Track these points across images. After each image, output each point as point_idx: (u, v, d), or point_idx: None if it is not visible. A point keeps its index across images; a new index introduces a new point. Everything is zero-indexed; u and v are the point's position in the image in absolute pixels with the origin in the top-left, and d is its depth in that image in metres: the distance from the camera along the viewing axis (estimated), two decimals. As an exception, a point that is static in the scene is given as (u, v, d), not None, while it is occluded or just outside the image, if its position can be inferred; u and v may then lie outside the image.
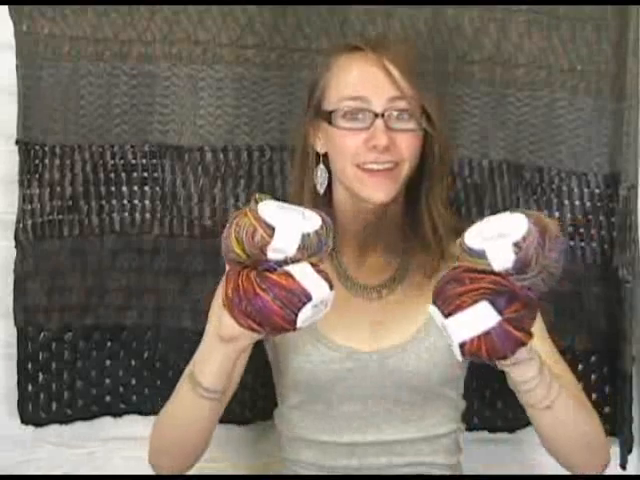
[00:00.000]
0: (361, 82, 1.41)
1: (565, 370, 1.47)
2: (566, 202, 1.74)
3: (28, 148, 1.72)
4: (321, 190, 1.47)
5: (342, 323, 1.36)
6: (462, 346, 1.20)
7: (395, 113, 1.40)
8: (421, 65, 1.46)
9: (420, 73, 1.42)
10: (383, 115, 1.38)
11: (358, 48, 1.43)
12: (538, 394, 1.31)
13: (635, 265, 1.70)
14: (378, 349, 1.43)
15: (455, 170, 1.71)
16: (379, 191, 1.40)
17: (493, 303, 1.18)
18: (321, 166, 1.46)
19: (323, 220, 1.24)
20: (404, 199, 1.47)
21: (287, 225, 1.20)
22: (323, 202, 1.47)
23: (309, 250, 1.22)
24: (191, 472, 1.76)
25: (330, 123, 1.41)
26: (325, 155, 1.46)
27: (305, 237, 1.21)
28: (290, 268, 1.21)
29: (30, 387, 1.74)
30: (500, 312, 1.18)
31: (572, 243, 1.74)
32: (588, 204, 1.74)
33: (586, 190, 1.74)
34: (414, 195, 1.46)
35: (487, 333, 1.18)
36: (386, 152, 1.38)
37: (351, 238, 1.46)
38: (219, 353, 1.31)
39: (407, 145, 1.40)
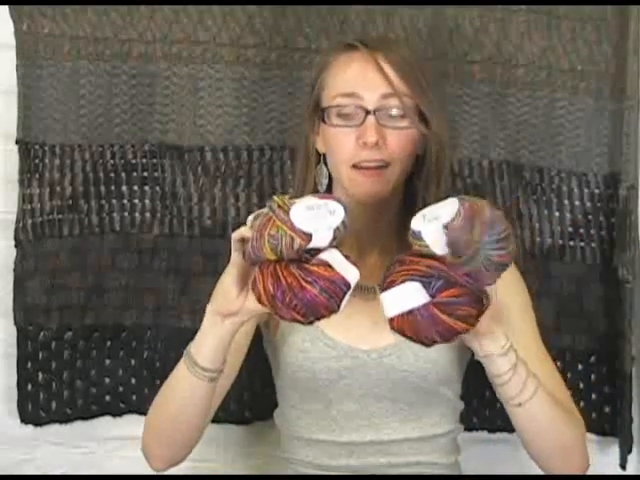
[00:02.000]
0: (354, 79, 1.41)
1: (551, 372, 1.46)
2: (566, 202, 1.74)
3: (28, 148, 1.72)
4: (322, 190, 1.47)
5: (340, 322, 1.36)
6: (390, 321, 1.23)
7: (387, 110, 1.39)
8: (419, 64, 1.44)
9: (417, 71, 1.42)
10: (375, 112, 1.38)
11: (355, 47, 1.43)
12: (512, 389, 1.31)
13: (635, 265, 1.71)
14: (376, 347, 1.43)
15: (455, 170, 1.71)
16: (370, 190, 1.40)
17: (426, 285, 1.21)
18: (322, 166, 1.46)
19: (344, 208, 1.25)
20: (402, 199, 1.47)
21: (322, 228, 1.23)
22: None
23: (337, 240, 1.25)
24: (191, 472, 1.76)
25: (324, 121, 1.42)
26: (325, 155, 1.46)
27: (336, 231, 1.23)
28: (326, 257, 1.23)
29: (30, 386, 1.74)
30: (432, 295, 1.20)
31: (572, 243, 1.74)
32: (588, 204, 1.74)
33: (586, 190, 1.74)
34: (411, 195, 1.46)
35: (410, 312, 1.21)
36: (376, 149, 1.38)
37: (349, 238, 1.46)
38: (217, 330, 1.31)
39: (397, 144, 1.40)
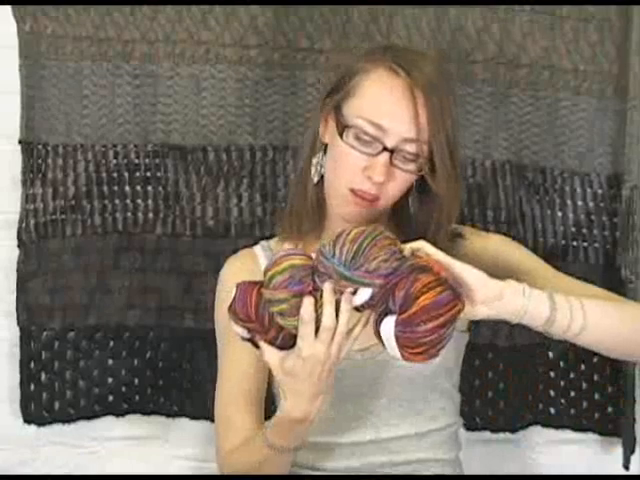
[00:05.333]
0: (386, 112, 1.36)
1: (577, 282, 1.45)
2: (569, 202, 1.74)
3: (31, 148, 1.72)
4: (315, 179, 1.44)
5: None
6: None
7: (403, 153, 1.37)
8: (445, 89, 1.39)
9: (445, 111, 1.37)
10: (392, 151, 1.36)
11: (397, 72, 1.37)
12: (562, 325, 1.28)
13: (637, 265, 1.71)
14: (368, 346, 1.42)
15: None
16: (354, 216, 1.39)
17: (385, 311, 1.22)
18: (320, 155, 1.44)
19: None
20: (392, 214, 1.46)
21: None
22: (318, 191, 1.45)
23: None
24: (191, 472, 1.77)
25: (341, 136, 1.38)
26: (326, 146, 1.44)
27: None
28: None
29: (33, 386, 1.74)
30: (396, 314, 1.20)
31: (575, 243, 1.74)
32: (591, 204, 1.74)
33: (589, 190, 1.74)
34: (417, 230, 1.42)
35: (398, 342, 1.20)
36: (378, 185, 1.37)
37: None
38: (298, 431, 1.33)
39: (394, 185, 1.38)
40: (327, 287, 1.22)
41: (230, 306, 1.28)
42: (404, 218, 1.46)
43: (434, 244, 1.40)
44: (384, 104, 1.37)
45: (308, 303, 1.22)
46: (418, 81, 1.36)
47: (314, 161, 1.44)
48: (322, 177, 1.44)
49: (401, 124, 1.36)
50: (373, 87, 1.38)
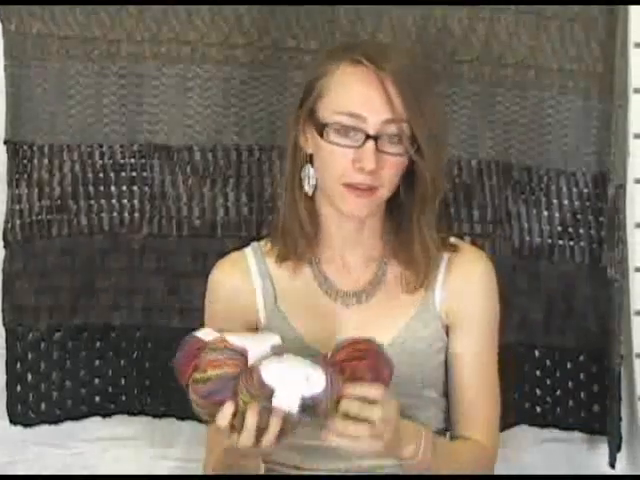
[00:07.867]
0: (358, 100, 1.37)
1: (485, 390, 1.47)
2: (555, 201, 1.74)
3: (16, 148, 1.72)
4: (309, 191, 1.44)
5: (325, 332, 1.34)
6: None
7: (387, 137, 1.37)
8: (419, 76, 1.41)
9: (418, 92, 1.39)
10: (376, 138, 1.36)
11: (361, 62, 1.38)
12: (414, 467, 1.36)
13: (623, 264, 1.71)
14: None
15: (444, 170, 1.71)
16: (359, 209, 1.39)
17: None
18: (309, 166, 1.44)
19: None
20: (386, 205, 1.46)
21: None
22: (310, 203, 1.45)
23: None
24: (185, 472, 1.76)
25: (322, 136, 1.39)
26: (312, 156, 1.45)
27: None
28: None
29: (19, 387, 1.74)
30: None
31: (561, 242, 1.75)
32: (577, 203, 1.74)
33: (575, 189, 1.74)
34: (395, 200, 1.45)
35: None
36: (371, 174, 1.37)
37: (333, 243, 1.46)
38: (247, 465, 1.35)
39: (389, 171, 1.38)
40: (251, 410, 1.22)
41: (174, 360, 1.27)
42: (394, 206, 1.46)
43: (420, 226, 1.41)
44: (355, 93, 1.38)
45: (227, 412, 1.22)
46: (382, 65, 1.37)
47: (303, 174, 1.44)
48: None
49: (376, 108, 1.37)
50: (340, 81, 1.39)
